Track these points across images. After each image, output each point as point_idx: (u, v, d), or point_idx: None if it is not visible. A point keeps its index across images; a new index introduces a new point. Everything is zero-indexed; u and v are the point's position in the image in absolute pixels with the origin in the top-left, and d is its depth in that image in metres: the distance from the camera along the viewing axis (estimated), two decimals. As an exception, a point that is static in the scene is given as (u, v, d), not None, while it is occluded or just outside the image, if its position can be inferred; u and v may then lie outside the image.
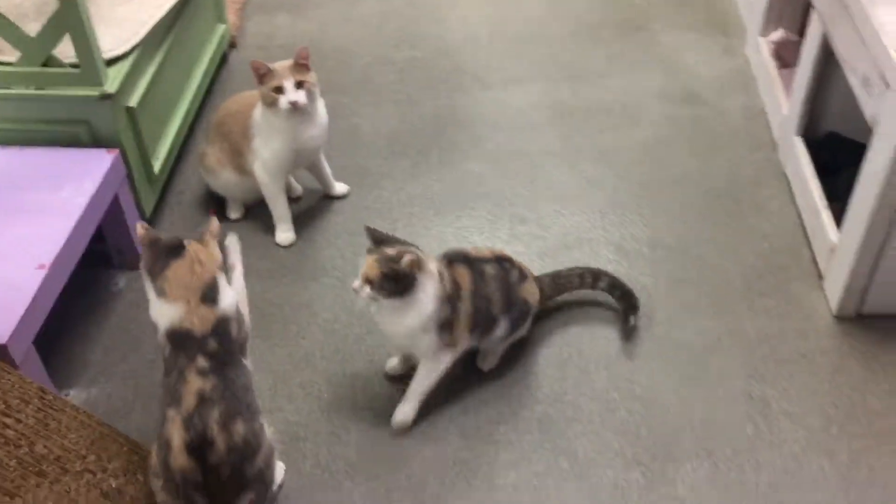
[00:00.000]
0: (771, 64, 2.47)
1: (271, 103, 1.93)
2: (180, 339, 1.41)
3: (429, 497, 1.61)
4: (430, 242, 2.12)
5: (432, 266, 1.62)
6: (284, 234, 2.14)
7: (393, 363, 1.83)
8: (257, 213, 2.20)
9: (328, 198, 2.27)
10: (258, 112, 2.02)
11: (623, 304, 1.90)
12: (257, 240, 2.15)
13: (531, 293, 1.79)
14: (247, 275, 2.04)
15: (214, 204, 2.24)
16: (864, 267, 1.82)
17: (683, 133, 2.44)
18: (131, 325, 1.95)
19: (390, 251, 1.57)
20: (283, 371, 1.84)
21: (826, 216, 1.98)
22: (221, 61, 2.70)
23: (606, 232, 2.14)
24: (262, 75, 1.93)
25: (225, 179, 2.13)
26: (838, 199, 2.00)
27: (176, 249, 1.45)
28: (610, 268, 2.02)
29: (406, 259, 1.54)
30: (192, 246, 1.46)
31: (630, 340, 1.87)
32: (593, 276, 1.91)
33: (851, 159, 2.09)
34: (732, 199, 2.22)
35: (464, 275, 1.68)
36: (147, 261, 1.46)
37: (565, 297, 1.94)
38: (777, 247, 2.08)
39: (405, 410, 1.71)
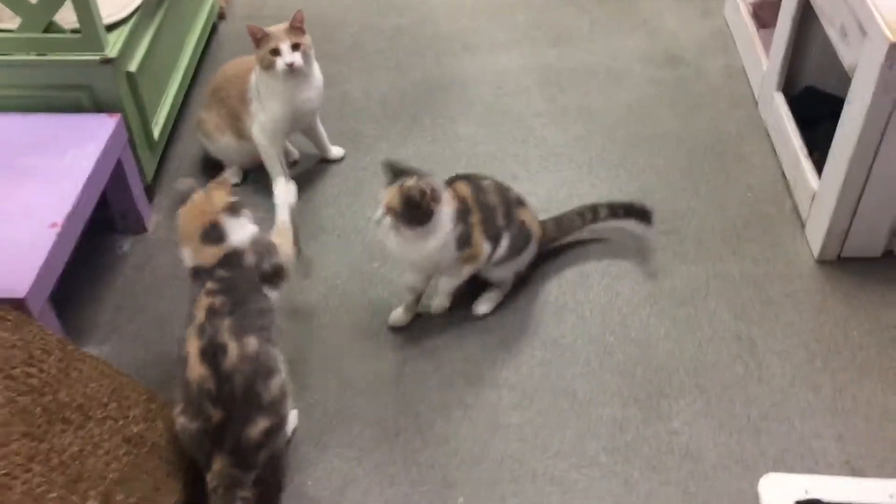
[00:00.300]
0: (750, 24, 2.55)
1: (268, 66, 1.98)
2: (195, 274, 1.55)
3: (436, 437, 1.68)
4: (425, 201, 2.19)
5: (447, 193, 1.72)
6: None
7: (397, 314, 1.89)
8: (256, 177, 2.25)
9: (324, 161, 2.32)
10: (255, 76, 2.07)
11: (634, 217, 2.01)
12: (257, 203, 2.19)
13: (529, 219, 1.88)
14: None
15: (213, 169, 2.28)
16: (843, 212, 1.90)
17: (666, 93, 2.51)
18: (137, 286, 2.00)
19: (410, 182, 1.65)
20: (288, 325, 1.89)
21: (807, 165, 2.06)
22: (212, 32, 2.73)
23: (595, 187, 2.22)
24: (259, 39, 1.98)
25: (224, 144, 2.18)
26: (817, 149, 2.09)
27: (184, 200, 1.57)
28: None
29: (424, 189, 1.64)
30: (195, 195, 1.57)
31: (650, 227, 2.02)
32: (592, 211, 2.00)
33: (829, 112, 2.18)
34: (716, 154, 2.30)
35: (463, 188, 1.79)
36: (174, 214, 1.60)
37: (570, 239, 2.03)
38: (760, 197, 2.17)
39: (441, 302, 1.88)
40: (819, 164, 2.01)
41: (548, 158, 2.30)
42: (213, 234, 1.56)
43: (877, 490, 1.52)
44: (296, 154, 2.33)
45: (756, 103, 2.43)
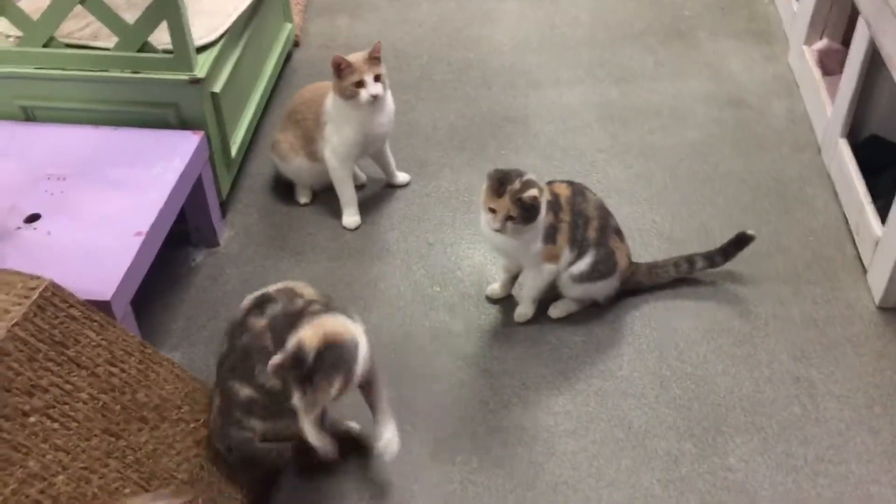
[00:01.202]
0: (815, 70, 2.57)
1: (351, 96, 2.07)
2: None
3: (492, 459, 1.71)
4: (488, 229, 2.24)
5: (541, 184, 1.83)
6: (351, 217, 2.26)
7: (493, 288, 2.04)
8: (325, 198, 2.33)
9: (390, 186, 2.39)
10: (330, 101, 2.15)
11: (734, 254, 2.04)
12: (325, 223, 2.28)
13: (621, 252, 1.95)
14: (316, 253, 2.18)
15: (283, 188, 2.37)
16: (907, 259, 1.91)
17: (729, 134, 2.54)
18: (209, 296, 2.08)
19: (516, 186, 1.76)
20: (352, 342, 1.95)
21: (871, 211, 2.07)
22: (287, 59, 2.84)
23: (656, 224, 2.25)
24: (342, 69, 2.06)
25: (297, 165, 2.26)
26: (881, 197, 2.10)
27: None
28: (661, 256, 2.12)
29: (536, 196, 1.75)
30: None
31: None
32: (688, 262, 2.04)
33: (893, 161, 2.19)
34: (778, 196, 2.32)
35: (563, 188, 1.90)
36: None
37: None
38: (822, 240, 2.17)
39: (523, 310, 1.98)
40: (883, 212, 2.02)
41: (609, 194, 2.33)
42: None
43: (936, 539, 1.52)
44: (363, 178, 2.41)
45: (819, 149, 2.45)
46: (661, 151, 2.48)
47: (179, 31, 1.92)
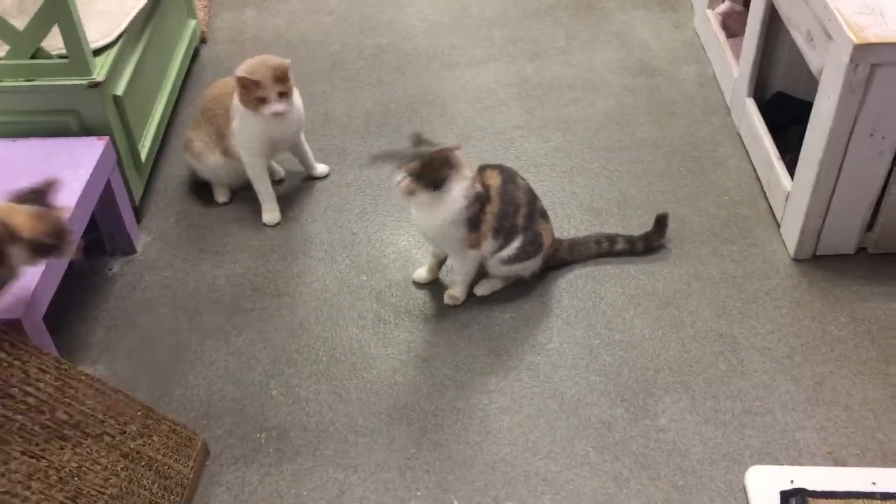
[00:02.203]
0: (719, 33, 2.63)
1: (254, 109, 2.05)
2: None
3: (428, 442, 1.71)
4: (410, 214, 2.23)
5: (466, 170, 1.81)
6: (271, 213, 2.23)
7: (420, 272, 2.04)
8: (244, 196, 2.29)
9: (310, 178, 2.36)
10: (237, 99, 2.11)
11: (654, 242, 2.08)
12: (246, 221, 2.24)
13: (546, 232, 1.96)
14: (237, 252, 2.14)
15: (201, 189, 2.31)
16: (816, 211, 1.96)
17: (642, 102, 2.57)
18: (128, 305, 2.02)
19: (427, 148, 1.76)
20: (279, 339, 1.93)
21: (780, 167, 2.13)
22: (194, 56, 2.77)
23: (576, 195, 2.27)
24: (246, 86, 2.02)
25: (213, 163, 2.21)
26: (789, 152, 2.15)
27: None
28: (583, 227, 2.15)
29: (446, 155, 1.74)
30: None
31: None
32: (609, 241, 2.07)
33: (799, 116, 2.25)
34: (692, 159, 2.36)
35: (494, 176, 1.89)
36: None
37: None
38: (736, 199, 2.23)
39: (454, 293, 1.98)
40: (791, 167, 2.07)
41: (528, 169, 2.35)
42: None
43: (859, 478, 1.57)
44: (282, 172, 2.37)
45: (729, 110, 2.50)
46: (578, 123, 2.51)
47: (73, 34, 1.85)
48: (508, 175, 1.91)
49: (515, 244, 1.90)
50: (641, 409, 1.75)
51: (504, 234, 1.89)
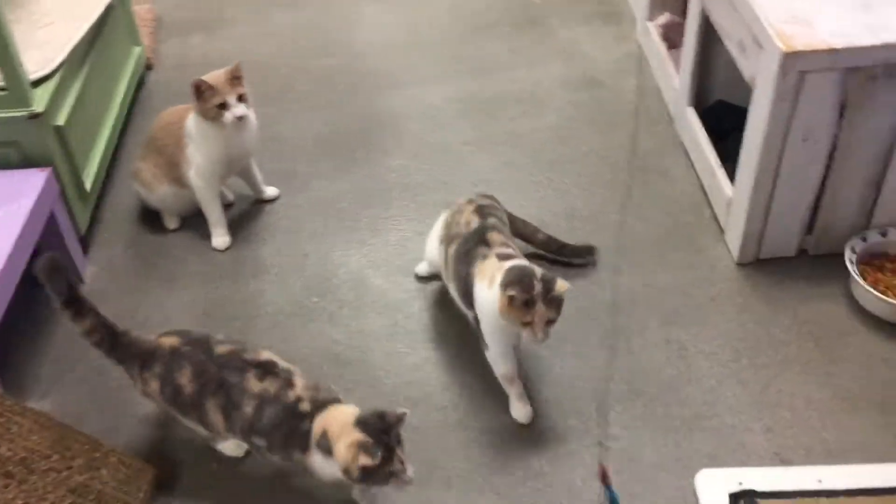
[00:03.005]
0: (660, 45, 2.68)
1: (214, 118, 2.03)
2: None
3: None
4: (362, 234, 2.24)
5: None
6: (221, 237, 2.22)
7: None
8: (193, 221, 2.27)
9: (260, 202, 2.36)
10: (191, 121, 2.11)
11: (569, 254, 2.10)
12: (195, 247, 2.22)
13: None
14: (187, 279, 2.13)
15: (149, 216, 2.30)
16: (757, 216, 2.01)
17: (587, 115, 2.61)
18: (76, 337, 1.97)
19: (541, 288, 1.58)
20: (232, 364, 1.91)
21: (721, 174, 2.17)
22: (140, 83, 2.76)
23: (523, 208, 2.28)
24: (203, 92, 2.02)
25: (163, 193, 2.20)
26: (730, 159, 2.20)
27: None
28: (532, 240, 2.18)
29: (561, 286, 1.59)
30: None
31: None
32: (558, 245, 2.09)
33: (738, 123, 2.30)
34: (637, 169, 2.40)
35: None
36: None
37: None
38: (682, 207, 2.27)
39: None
40: (732, 174, 2.12)
41: (477, 185, 2.37)
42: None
43: (805, 477, 1.61)
44: (231, 196, 2.36)
45: (671, 119, 2.55)
46: (524, 138, 2.54)
47: (10, 65, 1.84)
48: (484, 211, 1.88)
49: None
50: (594, 419, 1.77)
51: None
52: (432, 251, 1.95)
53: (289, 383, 1.55)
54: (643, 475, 1.66)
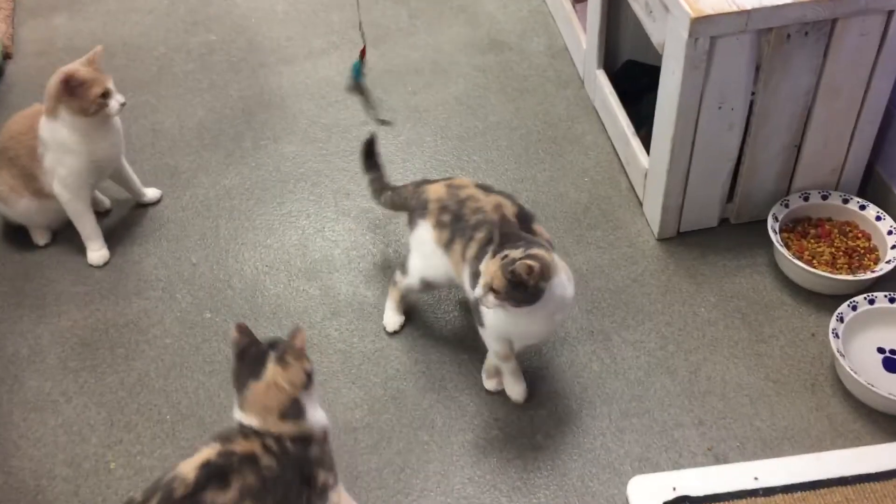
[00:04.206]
0: (566, 1, 2.51)
1: (98, 111, 1.82)
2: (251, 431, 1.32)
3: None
4: (256, 234, 2.04)
5: (557, 258, 1.49)
6: (97, 252, 2.00)
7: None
8: (66, 234, 2.03)
9: (140, 206, 2.13)
10: (44, 127, 1.87)
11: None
12: (69, 264, 2.00)
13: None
14: (62, 303, 1.91)
15: (14, 232, 2.05)
16: (675, 188, 1.89)
17: (494, 81, 2.44)
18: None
19: (515, 253, 1.40)
20: (116, 400, 1.72)
21: (635, 143, 2.04)
22: (-3, 75, 2.47)
23: (433, 193, 2.12)
24: (78, 86, 1.80)
25: (24, 208, 1.96)
26: (644, 125, 2.07)
27: (256, 369, 1.33)
28: (441, 229, 2.01)
29: (532, 266, 1.37)
30: (272, 369, 1.32)
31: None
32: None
33: (651, 83, 2.16)
34: (549, 139, 2.25)
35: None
36: (234, 370, 1.36)
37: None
38: (597, 179, 2.13)
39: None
40: (647, 141, 1.99)
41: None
42: (292, 412, 1.33)
43: (741, 475, 1.52)
44: (107, 203, 2.13)
45: (582, 82, 2.40)
46: (428, 112, 2.35)
47: None
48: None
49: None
50: (516, 426, 1.65)
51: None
52: (432, 264, 1.68)
53: None
54: (573, 487, 1.55)
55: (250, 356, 1.34)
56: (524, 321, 1.50)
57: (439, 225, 1.63)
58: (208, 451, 1.28)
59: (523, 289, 1.40)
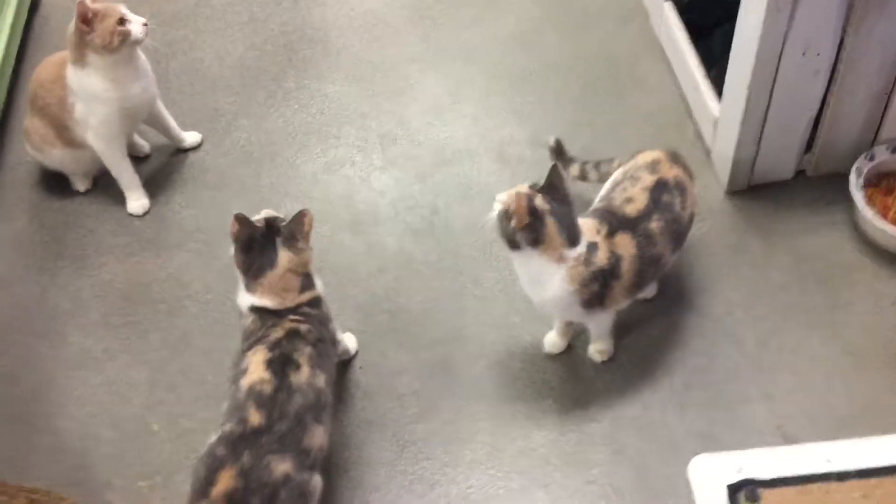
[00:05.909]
0: (631, -78, 2.30)
1: (121, 41, 1.72)
2: (269, 313, 1.42)
3: (335, 463, 1.51)
4: (300, 184, 1.96)
5: (563, 250, 1.41)
6: (137, 201, 1.93)
7: (551, 339, 1.64)
8: (106, 180, 1.97)
9: (180, 151, 2.05)
10: (72, 78, 1.78)
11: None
12: (108, 213, 1.94)
13: (694, 203, 1.59)
14: (101, 255, 1.86)
15: (54, 178, 1.99)
16: (748, 139, 1.74)
17: (550, 15, 2.27)
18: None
19: (522, 189, 1.41)
20: (158, 359, 1.68)
21: (705, 88, 1.88)
22: (32, 11, 2.36)
23: (484, 139, 2.00)
24: (93, 18, 1.70)
25: (58, 157, 1.90)
26: (716, 61, 1.90)
27: (269, 257, 1.41)
28: (492, 179, 1.91)
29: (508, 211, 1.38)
30: (285, 256, 1.41)
31: None
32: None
33: (725, 16, 1.98)
34: (610, 80, 2.09)
35: (626, 242, 1.46)
36: (240, 260, 1.43)
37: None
38: (661, 124, 1.98)
39: (603, 346, 1.60)
40: (718, 82, 1.83)
41: (428, 112, 2.07)
42: (307, 283, 1.45)
43: (812, 457, 1.41)
44: (146, 148, 2.05)
45: (647, 15, 2.21)
46: (479, 50, 2.20)
47: None
48: (641, 232, 1.47)
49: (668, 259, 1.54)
50: (571, 398, 1.57)
51: (646, 281, 1.53)
52: None
53: None
54: (628, 463, 1.47)
55: (258, 244, 1.40)
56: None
57: None
58: (261, 354, 1.34)
59: (506, 225, 1.39)
